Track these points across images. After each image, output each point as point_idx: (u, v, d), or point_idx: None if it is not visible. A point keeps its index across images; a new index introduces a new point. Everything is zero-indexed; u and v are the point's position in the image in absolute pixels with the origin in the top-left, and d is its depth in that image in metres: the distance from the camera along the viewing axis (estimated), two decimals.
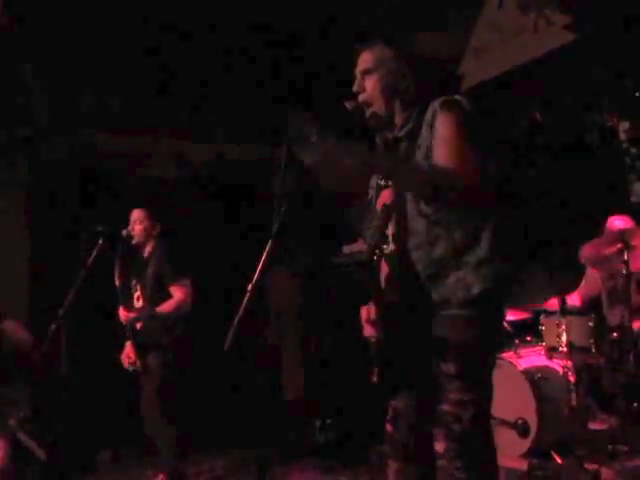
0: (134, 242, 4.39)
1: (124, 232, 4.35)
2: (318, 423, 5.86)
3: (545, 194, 4.98)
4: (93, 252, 4.16)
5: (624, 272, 4.15)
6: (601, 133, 5.01)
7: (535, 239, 5.00)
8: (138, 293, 4.37)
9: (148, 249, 4.42)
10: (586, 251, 4.58)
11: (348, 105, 2.37)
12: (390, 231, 2.31)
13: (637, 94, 4.61)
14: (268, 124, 5.70)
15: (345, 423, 5.73)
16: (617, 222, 4.61)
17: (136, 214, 4.42)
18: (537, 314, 4.67)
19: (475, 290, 2.16)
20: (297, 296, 6.98)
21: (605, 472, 3.83)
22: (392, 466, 2.36)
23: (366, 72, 2.38)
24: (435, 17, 5.02)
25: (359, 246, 6.46)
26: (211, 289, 5.77)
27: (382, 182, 2.39)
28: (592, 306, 4.71)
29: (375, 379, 2.24)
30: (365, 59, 2.39)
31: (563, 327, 4.28)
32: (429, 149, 2.21)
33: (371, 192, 2.51)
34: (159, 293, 4.27)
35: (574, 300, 4.86)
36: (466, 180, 2.09)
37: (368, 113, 2.38)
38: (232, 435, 5.68)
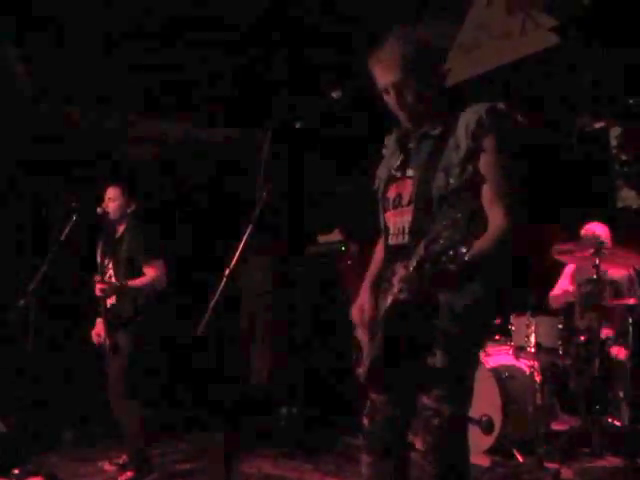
0: (109, 220, 4.34)
1: (99, 210, 4.30)
2: (284, 410, 5.86)
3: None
4: (66, 228, 4.14)
5: (595, 277, 4.20)
6: (580, 137, 5.02)
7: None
8: (111, 272, 4.31)
9: (122, 227, 4.38)
10: (557, 251, 4.60)
11: (334, 95, 2.33)
12: (406, 224, 2.19)
13: (630, 101, 4.60)
14: (250, 109, 5.68)
15: (312, 411, 5.74)
16: (593, 228, 4.67)
17: (110, 191, 4.37)
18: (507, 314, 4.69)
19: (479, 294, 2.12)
20: (268, 282, 6.96)
21: (564, 472, 3.89)
22: (365, 460, 2.33)
23: (398, 85, 2.16)
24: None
25: (335, 236, 6.46)
26: (185, 272, 5.74)
27: (397, 173, 2.27)
28: (567, 305, 4.75)
29: (363, 379, 2.19)
30: (392, 69, 2.15)
31: (532, 328, 4.33)
32: (469, 156, 2.09)
33: (377, 182, 2.39)
34: (132, 273, 4.22)
35: (556, 291, 4.93)
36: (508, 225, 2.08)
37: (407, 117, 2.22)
38: (197, 419, 5.66)
